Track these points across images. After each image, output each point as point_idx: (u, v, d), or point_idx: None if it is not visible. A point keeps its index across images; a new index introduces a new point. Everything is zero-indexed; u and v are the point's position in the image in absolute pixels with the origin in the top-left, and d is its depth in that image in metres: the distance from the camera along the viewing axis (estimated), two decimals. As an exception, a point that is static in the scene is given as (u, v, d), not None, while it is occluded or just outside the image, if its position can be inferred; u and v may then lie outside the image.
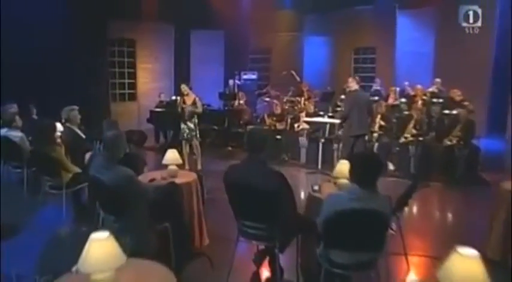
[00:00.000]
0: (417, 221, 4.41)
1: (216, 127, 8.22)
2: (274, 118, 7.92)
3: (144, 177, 3.48)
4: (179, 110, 6.08)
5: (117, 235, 1.65)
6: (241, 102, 8.90)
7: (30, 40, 7.57)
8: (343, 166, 3.08)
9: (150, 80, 11.13)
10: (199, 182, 3.92)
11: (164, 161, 3.53)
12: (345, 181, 3.01)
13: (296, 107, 8.15)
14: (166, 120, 7.91)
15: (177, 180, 3.41)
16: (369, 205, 2.12)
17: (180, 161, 3.57)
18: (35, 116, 6.72)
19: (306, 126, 7.31)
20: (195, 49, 11.47)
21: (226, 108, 8.84)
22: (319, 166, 6.36)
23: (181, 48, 11.21)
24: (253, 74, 11.27)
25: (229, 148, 7.79)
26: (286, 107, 8.31)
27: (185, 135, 6.15)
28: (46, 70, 7.97)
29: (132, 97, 11.27)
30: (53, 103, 7.95)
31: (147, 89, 11.27)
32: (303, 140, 6.91)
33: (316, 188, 3.12)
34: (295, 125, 7.58)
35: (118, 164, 2.82)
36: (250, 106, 9.29)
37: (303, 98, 8.40)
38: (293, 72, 8.97)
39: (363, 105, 5.21)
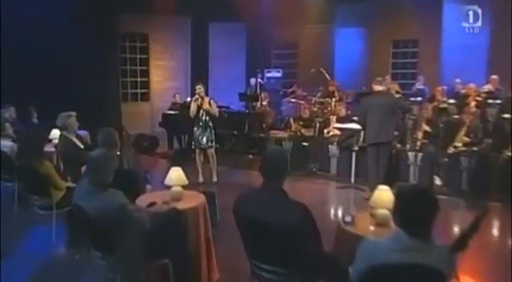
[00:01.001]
0: (474, 256, 3.52)
1: (235, 132, 8.08)
2: (301, 122, 7.63)
3: (142, 200, 3.19)
4: (191, 113, 5.84)
5: (106, 275, 1.33)
6: (264, 103, 8.74)
7: (30, 37, 7.59)
8: (382, 194, 2.69)
9: (165, 78, 11.15)
10: (210, 202, 3.71)
11: (167, 182, 3.23)
12: (384, 212, 2.60)
13: (326, 110, 7.86)
14: (181, 125, 7.73)
15: (182, 205, 3.12)
16: (420, 259, 1.73)
17: (186, 181, 3.26)
18: (35, 120, 6.64)
19: (337, 132, 7.07)
20: (213, 44, 11.35)
21: (247, 110, 8.70)
22: (353, 179, 6.05)
23: (199, 44, 11.13)
24: (278, 72, 10.99)
25: (250, 156, 7.66)
26: (315, 109, 8.07)
27: (198, 142, 5.93)
28: (49, 69, 7.96)
29: (145, 97, 11.31)
30: (57, 105, 7.98)
31: (161, 88, 11.22)
32: (333, 149, 6.68)
33: (348, 219, 2.72)
34: (325, 131, 7.31)
35: (113, 183, 2.63)
36: (274, 108, 9.14)
37: (333, 100, 8.02)
38: (322, 70, 8.60)
39: (381, 109, 5.04)
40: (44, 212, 3.66)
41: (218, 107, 8.16)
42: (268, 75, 10.83)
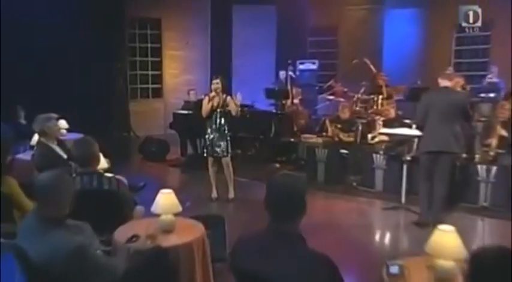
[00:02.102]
0: None
1: (260, 136, 7.96)
2: (339, 125, 7.23)
3: (123, 232, 2.87)
4: (203, 113, 5.62)
5: None
6: (296, 101, 8.67)
7: (21, 24, 7.60)
8: (444, 237, 2.19)
9: (180, 71, 11.14)
10: (218, 228, 3.52)
11: (154, 209, 2.86)
12: (448, 265, 2.08)
13: (371, 110, 7.72)
14: (195, 126, 7.47)
15: (172, 239, 2.81)
16: None
17: (179, 208, 2.88)
18: (22, 121, 6.52)
19: (385, 137, 6.75)
20: (237, 31, 11.24)
21: (274, 109, 8.55)
22: (403, 199, 5.61)
23: (220, 30, 11.04)
24: (313, 63, 10.75)
25: (277, 165, 7.47)
26: (357, 109, 7.91)
27: (212, 149, 5.70)
28: (42, 61, 7.95)
29: (157, 93, 11.26)
30: (54, 103, 7.94)
31: (176, 83, 11.11)
32: (379, 158, 6.37)
33: (394, 270, 2.22)
34: (369, 136, 7.05)
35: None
36: (307, 107, 9.02)
37: (380, 97, 7.74)
38: (367, 60, 8.36)
39: (445, 109, 4.73)
40: (6, 241, 3.31)
41: (240, 106, 7.98)
42: (302, 67, 10.63)
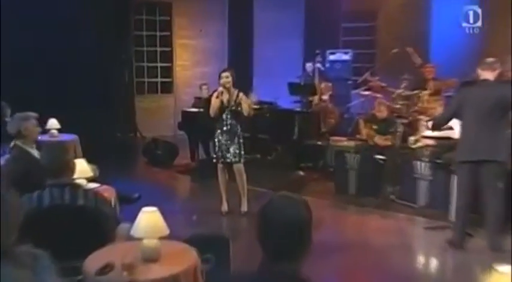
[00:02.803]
0: None
1: (282, 138, 7.97)
2: (375, 126, 6.93)
3: (95, 260, 2.66)
4: (211, 112, 5.56)
5: None
6: (325, 97, 8.63)
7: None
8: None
9: (193, 63, 11.17)
10: (221, 251, 3.47)
11: (134, 232, 2.63)
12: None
13: (415, 107, 7.48)
14: (207, 127, 7.24)
15: (155, 271, 2.57)
16: None
17: (166, 231, 2.69)
18: (7, 119, 6.40)
19: (430, 141, 6.49)
20: (259, 16, 11.16)
21: (299, 108, 8.59)
22: (452, 216, 5.29)
23: (239, 16, 11.03)
24: (346, 54, 10.59)
25: (301, 172, 7.49)
26: (397, 107, 7.75)
27: (221, 154, 5.63)
28: (34, 52, 8.08)
29: (167, 88, 11.28)
30: (49, 100, 8.07)
31: (189, 76, 11.11)
32: (422, 167, 6.15)
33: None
34: (411, 139, 6.77)
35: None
36: (338, 104, 8.99)
37: (425, 93, 7.47)
38: (410, 49, 8.13)
39: (485, 107, 4.49)
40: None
41: (259, 103, 8.05)
42: (332, 58, 10.53)
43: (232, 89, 5.51)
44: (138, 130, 10.13)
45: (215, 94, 5.55)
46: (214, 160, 5.69)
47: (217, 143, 5.63)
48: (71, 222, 2.87)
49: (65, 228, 2.86)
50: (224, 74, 5.49)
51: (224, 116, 5.54)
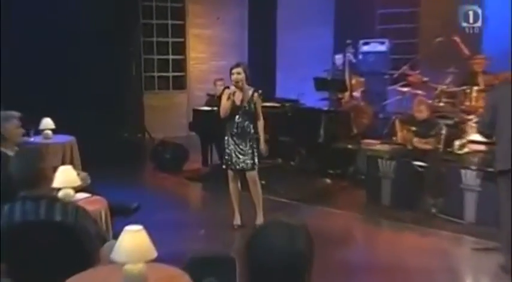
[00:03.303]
0: None
1: (306, 140, 7.92)
2: (414, 127, 6.83)
3: None
4: (221, 113, 5.51)
5: None
6: (356, 94, 8.77)
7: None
8: None
9: (209, 55, 11.20)
10: (225, 274, 3.21)
11: (114, 255, 2.58)
12: None
13: (461, 106, 7.44)
14: (220, 128, 7.17)
15: None
16: None
17: (153, 254, 2.57)
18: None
19: (479, 146, 6.59)
20: (284, 2, 11.17)
21: (329, 106, 8.68)
22: None
23: (262, 2, 11.09)
24: (382, 44, 10.50)
25: (328, 180, 7.51)
26: (441, 105, 7.77)
27: (232, 159, 5.55)
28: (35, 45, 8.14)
29: (179, 84, 11.33)
30: (48, 96, 8.10)
31: (204, 70, 11.15)
32: (470, 176, 5.98)
33: None
34: (456, 143, 6.84)
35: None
36: (372, 102, 9.07)
37: (475, 89, 7.35)
38: (457, 39, 8.07)
39: None
40: None
41: (281, 101, 8.21)
42: (365, 48, 10.47)
43: (246, 87, 5.45)
44: (147, 130, 10.13)
45: (225, 93, 5.50)
46: (224, 166, 5.62)
47: (227, 147, 5.57)
48: (46, 241, 2.80)
49: (40, 248, 2.80)
50: (235, 70, 5.41)
51: (236, 117, 5.46)
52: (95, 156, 7.70)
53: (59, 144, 6.37)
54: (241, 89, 5.40)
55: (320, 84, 8.60)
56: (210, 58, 11.03)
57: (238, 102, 5.40)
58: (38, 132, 6.44)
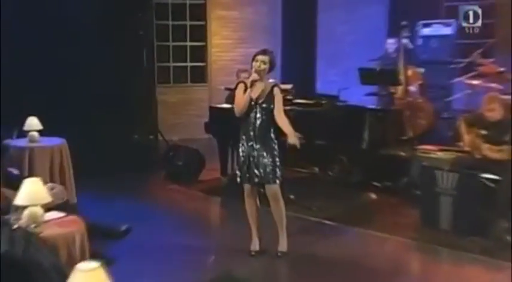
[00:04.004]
0: None
1: (348, 145, 7.85)
2: (484, 131, 6.65)
3: None
4: (236, 111, 5.44)
5: None
6: (413, 89, 8.76)
7: None
8: None
9: (235, 42, 11.27)
10: None
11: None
12: None
13: None
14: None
15: None
16: None
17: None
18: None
19: None
20: None
21: (378, 103, 8.70)
22: None
23: None
24: (448, 26, 10.47)
25: (372, 195, 7.48)
26: None
27: (248, 171, 5.45)
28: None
29: (199, 76, 11.47)
30: (44, 90, 8.21)
31: (229, 59, 11.28)
32: None
33: None
34: None
35: None
36: (433, 99, 9.09)
37: None
38: None
39: None
40: None
41: (316, 97, 8.23)
42: (426, 31, 10.48)
43: (266, 80, 5.46)
44: (160, 132, 10.16)
45: (240, 86, 5.40)
46: (238, 179, 5.52)
47: (242, 154, 5.47)
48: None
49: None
50: (261, 58, 5.35)
51: (253, 115, 5.37)
52: (95, 163, 7.83)
53: (46, 148, 6.45)
54: (262, 81, 5.38)
55: (367, 76, 8.43)
56: (236, 45, 11.04)
57: (255, 96, 5.33)
58: (24, 134, 6.51)
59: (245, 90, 5.37)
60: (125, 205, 6.68)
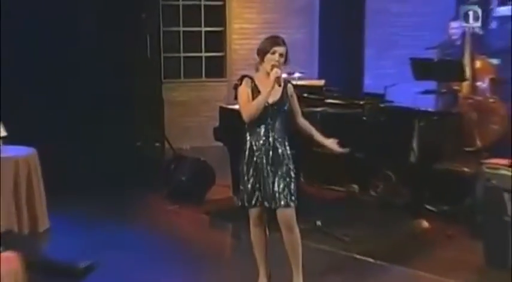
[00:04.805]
0: None
1: (395, 158, 7.65)
2: None
3: None
4: (247, 115, 5.30)
5: None
6: (482, 85, 8.72)
7: None
8: None
9: (260, 26, 11.32)
10: None
11: None
12: None
13: None
14: None
15: None
16: None
17: None
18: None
19: None
20: None
21: (436, 105, 8.86)
22: None
23: None
24: None
25: (424, 222, 7.32)
26: None
27: (253, 189, 5.33)
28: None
29: (216, 69, 11.65)
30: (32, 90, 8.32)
31: (252, 48, 11.03)
32: None
33: None
34: None
35: None
36: (508, 99, 8.80)
37: None
38: None
39: None
40: None
41: (354, 97, 8.13)
42: (502, 11, 10.25)
43: (280, 75, 5.30)
44: (166, 138, 10.15)
45: (246, 82, 5.26)
46: (240, 202, 5.42)
47: (246, 171, 5.34)
48: None
49: None
50: (281, 49, 5.27)
51: (265, 120, 5.29)
52: (84, 176, 7.69)
53: (9, 160, 6.34)
54: (278, 78, 5.27)
55: (422, 69, 8.42)
56: (261, 30, 10.82)
57: (273, 99, 5.23)
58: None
59: (253, 87, 5.21)
60: (110, 230, 6.60)
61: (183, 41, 11.13)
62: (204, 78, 11.27)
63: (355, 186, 7.98)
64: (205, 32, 11.21)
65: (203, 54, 11.25)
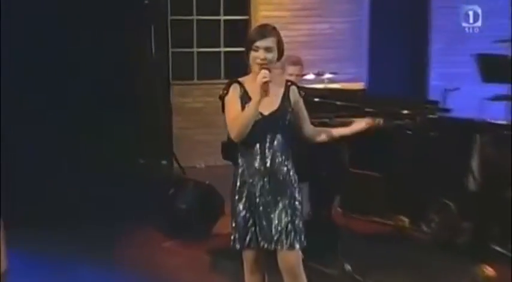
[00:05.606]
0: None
1: (452, 182, 7.86)
2: None
3: None
4: (237, 132, 5.23)
5: None
6: None
7: None
8: None
9: (293, 14, 11.83)
10: None
11: None
12: None
13: None
14: None
15: None
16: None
17: None
18: None
19: None
20: None
21: (502, 117, 8.77)
22: None
23: None
24: None
25: (488, 269, 6.99)
26: None
27: (247, 225, 5.25)
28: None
29: (238, 67, 11.46)
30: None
31: (284, 41, 11.38)
32: None
33: None
34: None
35: None
36: None
37: None
38: None
39: None
40: None
41: (401, 103, 8.31)
42: None
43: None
44: (175, 155, 10.22)
45: (233, 89, 5.07)
46: (232, 243, 5.23)
47: (237, 203, 5.17)
48: None
49: None
50: (263, 43, 5.02)
51: (261, 136, 5.13)
52: (65, 202, 7.61)
53: None
54: (290, 85, 5.27)
55: (491, 68, 8.34)
56: (296, 19, 11.33)
57: (268, 110, 5.01)
58: None
59: (243, 95, 5.00)
60: (86, 274, 6.52)
61: (196, 33, 11.31)
62: (223, 80, 11.06)
63: (405, 219, 7.93)
64: (225, 21, 11.41)
65: (222, 49, 11.44)
